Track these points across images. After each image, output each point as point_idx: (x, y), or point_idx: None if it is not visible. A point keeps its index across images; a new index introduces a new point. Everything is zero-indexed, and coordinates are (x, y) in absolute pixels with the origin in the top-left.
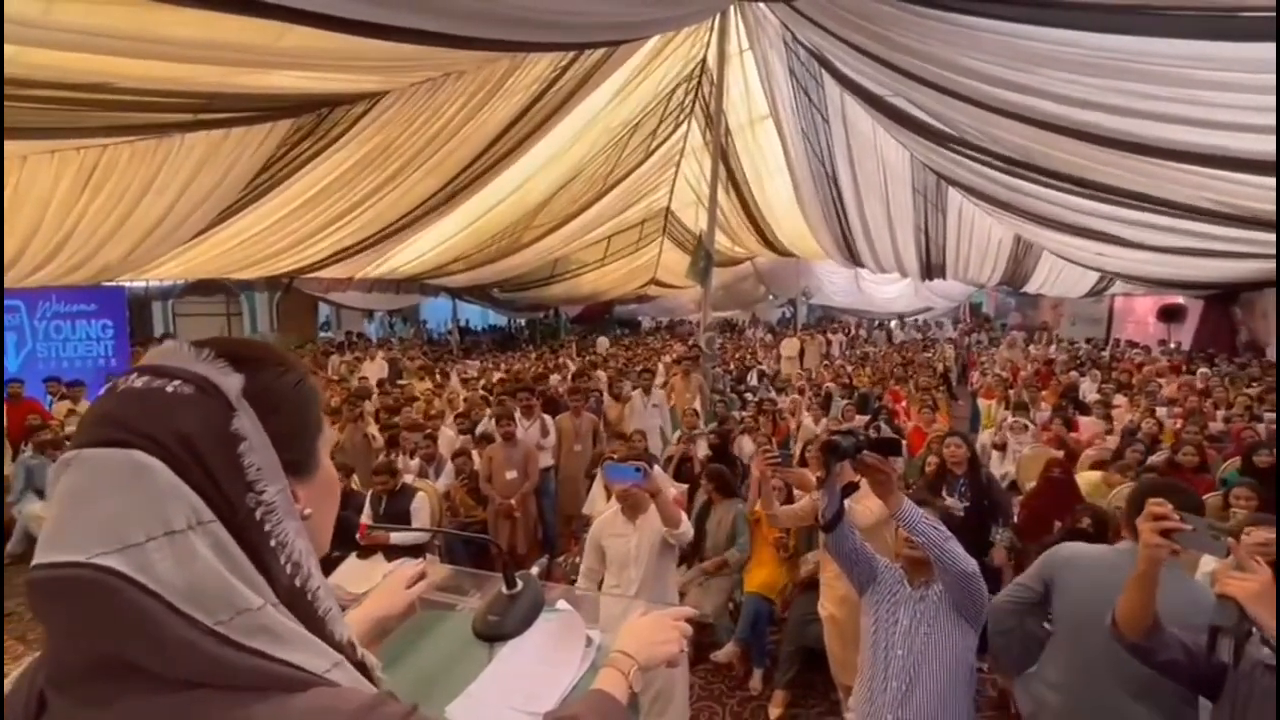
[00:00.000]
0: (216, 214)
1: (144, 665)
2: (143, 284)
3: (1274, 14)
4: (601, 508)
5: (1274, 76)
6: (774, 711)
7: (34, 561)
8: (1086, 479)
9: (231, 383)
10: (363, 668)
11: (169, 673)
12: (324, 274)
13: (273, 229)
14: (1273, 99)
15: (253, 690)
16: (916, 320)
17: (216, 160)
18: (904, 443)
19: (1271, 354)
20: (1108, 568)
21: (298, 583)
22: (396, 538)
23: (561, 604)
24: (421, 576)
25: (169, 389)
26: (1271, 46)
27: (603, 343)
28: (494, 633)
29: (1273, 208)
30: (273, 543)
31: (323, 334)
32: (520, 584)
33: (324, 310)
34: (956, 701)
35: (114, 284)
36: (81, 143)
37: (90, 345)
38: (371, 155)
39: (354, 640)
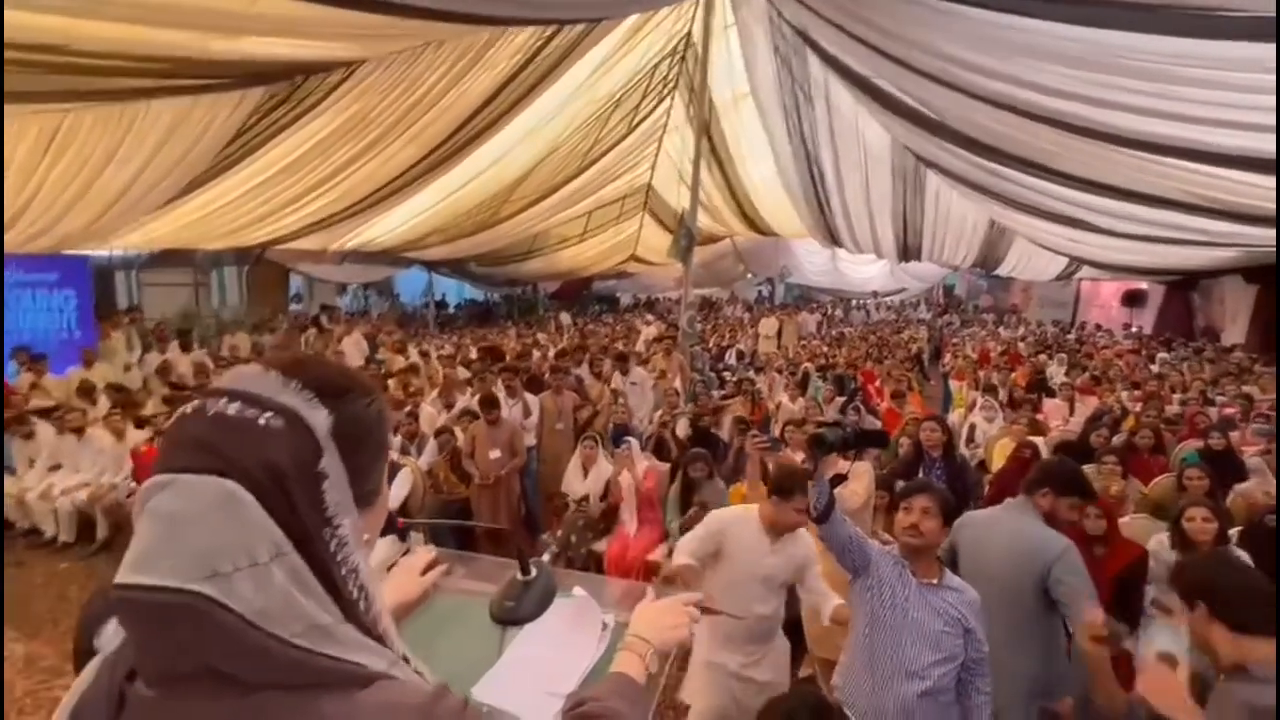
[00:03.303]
0: (185, 183)
1: (227, 671)
2: (106, 254)
3: (1245, 15)
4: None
5: (1246, 74)
6: None
7: (127, 579)
8: None
9: (321, 420)
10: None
11: (248, 677)
12: (297, 245)
13: (245, 199)
14: (1243, 95)
15: (321, 687)
16: (889, 300)
17: (186, 128)
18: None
19: (1225, 339)
20: (988, 523)
21: (362, 606)
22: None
23: (577, 590)
24: (435, 563)
25: (261, 421)
26: (1246, 45)
27: (564, 319)
28: (511, 618)
29: (1232, 198)
30: (344, 571)
31: (294, 306)
32: (535, 571)
33: (295, 283)
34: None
35: (77, 253)
36: (38, 107)
37: (52, 316)
38: (348, 125)
39: (408, 654)
